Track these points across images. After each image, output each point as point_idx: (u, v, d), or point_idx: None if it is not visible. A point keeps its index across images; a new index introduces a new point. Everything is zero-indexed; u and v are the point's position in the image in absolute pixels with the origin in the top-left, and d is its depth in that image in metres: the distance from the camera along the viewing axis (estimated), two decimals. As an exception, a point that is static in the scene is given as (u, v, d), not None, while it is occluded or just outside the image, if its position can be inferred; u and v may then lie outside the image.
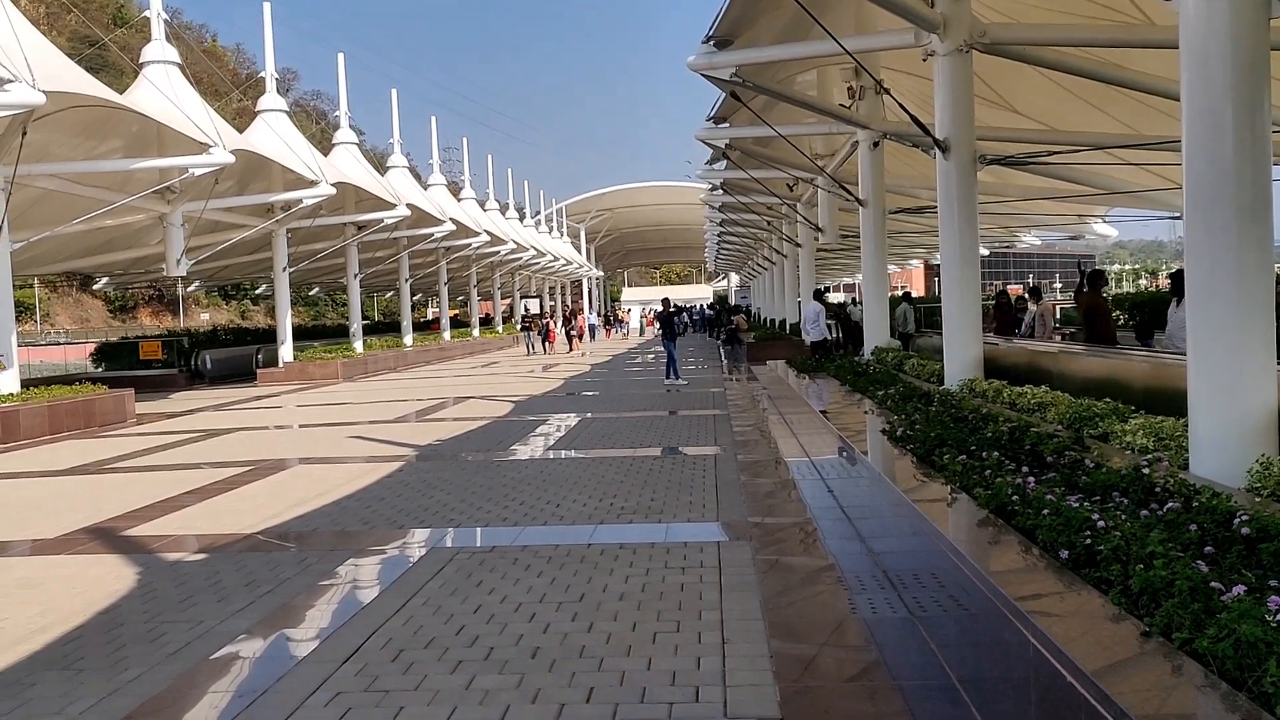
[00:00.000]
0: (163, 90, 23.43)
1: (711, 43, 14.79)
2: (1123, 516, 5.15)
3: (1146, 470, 6.02)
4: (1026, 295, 21.91)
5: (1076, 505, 5.40)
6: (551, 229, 78.16)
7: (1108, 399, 9.06)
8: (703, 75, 15.15)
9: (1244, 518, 4.74)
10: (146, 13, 25.55)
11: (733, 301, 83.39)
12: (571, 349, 46.70)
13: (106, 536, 9.10)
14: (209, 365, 34.01)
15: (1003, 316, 20.15)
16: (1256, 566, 4.30)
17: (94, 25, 71.23)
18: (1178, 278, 13.87)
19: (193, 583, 7.23)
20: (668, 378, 24.16)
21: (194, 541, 8.74)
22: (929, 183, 15.91)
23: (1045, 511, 5.31)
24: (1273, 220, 6.57)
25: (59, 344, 63.74)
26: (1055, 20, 14.76)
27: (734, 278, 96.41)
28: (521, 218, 70.73)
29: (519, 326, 50.70)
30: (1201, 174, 6.54)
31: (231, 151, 23.13)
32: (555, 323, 50.82)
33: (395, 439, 15.63)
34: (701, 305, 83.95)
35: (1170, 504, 5.31)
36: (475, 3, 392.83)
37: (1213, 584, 3.87)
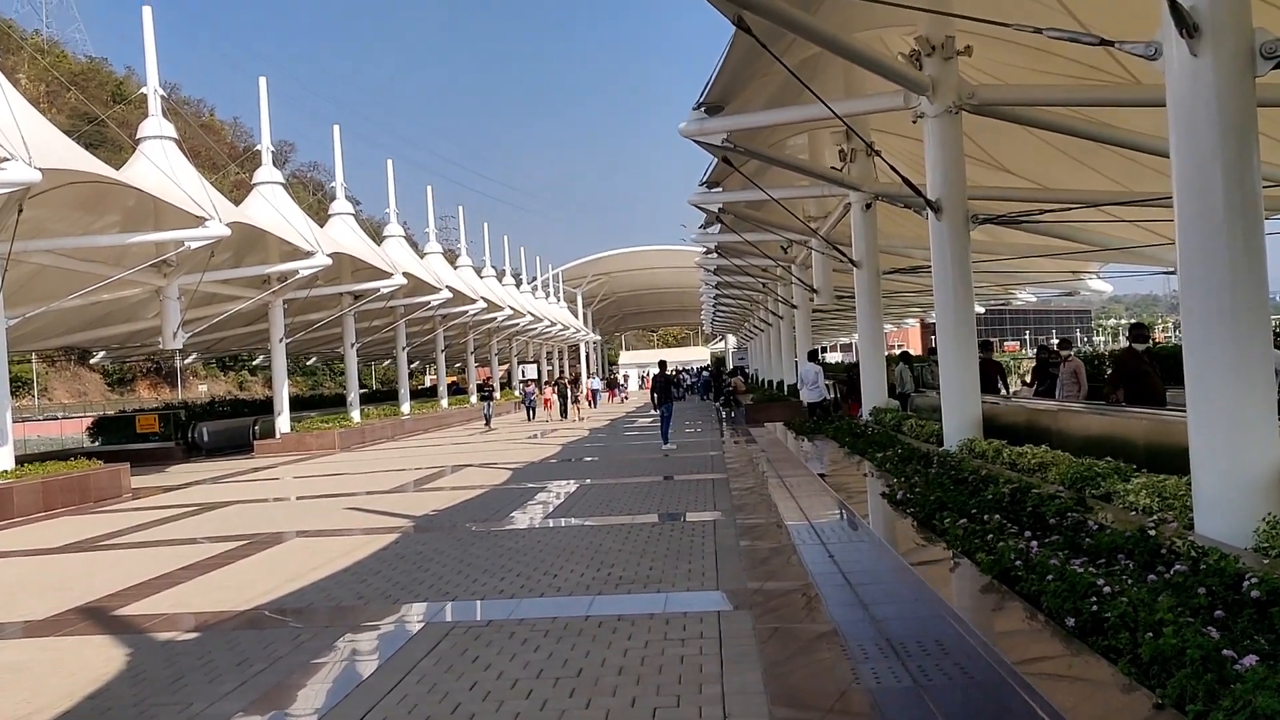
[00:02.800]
0: (159, 165, 23.59)
1: (703, 109, 14.92)
2: (1129, 580, 5.05)
3: (1152, 531, 5.94)
4: (1056, 347, 20.91)
5: (1081, 569, 5.31)
6: (548, 294, 78.42)
7: (1109, 458, 8.99)
8: (695, 141, 15.25)
9: (1253, 580, 4.66)
10: (144, 89, 25.77)
11: (730, 363, 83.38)
12: (566, 415, 44.50)
13: (97, 616, 8.94)
14: (206, 437, 33.88)
15: (1042, 374, 19.14)
16: (1269, 631, 4.21)
17: (93, 102, 72.06)
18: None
19: (183, 663, 7.08)
20: (665, 442, 24.05)
21: (186, 620, 8.59)
22: (922, 243, 15.98)
23: (1050, 577, 5.22)
24: (1267, 276, 6.55)
25: (56, 419, 63.72)
26: (1043, 80, 14.91)
27: (731, 339, 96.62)
28: (518, 283, 71.04)
29: (480, 396, 47.42)
30: (1193, 231, 6.53)
31: (227, 224, 23.24)
32: (547, 388, 48.98)
33: (392, 510, 15.49)
34: (698, 368, 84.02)
35: (1177, 566, 5.22)
36: (471, 74, 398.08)
37: (1225, 652, 3.78)
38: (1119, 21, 10.94)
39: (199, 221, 22.53)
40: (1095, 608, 4.62)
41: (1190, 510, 6.71)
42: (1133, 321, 15.19)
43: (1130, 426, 10.07)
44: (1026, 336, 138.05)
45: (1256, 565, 5.16)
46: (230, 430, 35.34)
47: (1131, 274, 40.15)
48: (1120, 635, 4.27)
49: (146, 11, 25.06)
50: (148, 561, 11.80)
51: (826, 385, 26.08)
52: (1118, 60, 13.45)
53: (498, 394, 45.72)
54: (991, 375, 19.18)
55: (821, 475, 14.34)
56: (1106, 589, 4.79)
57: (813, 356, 26.83)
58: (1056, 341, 19.35)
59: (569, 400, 45.33)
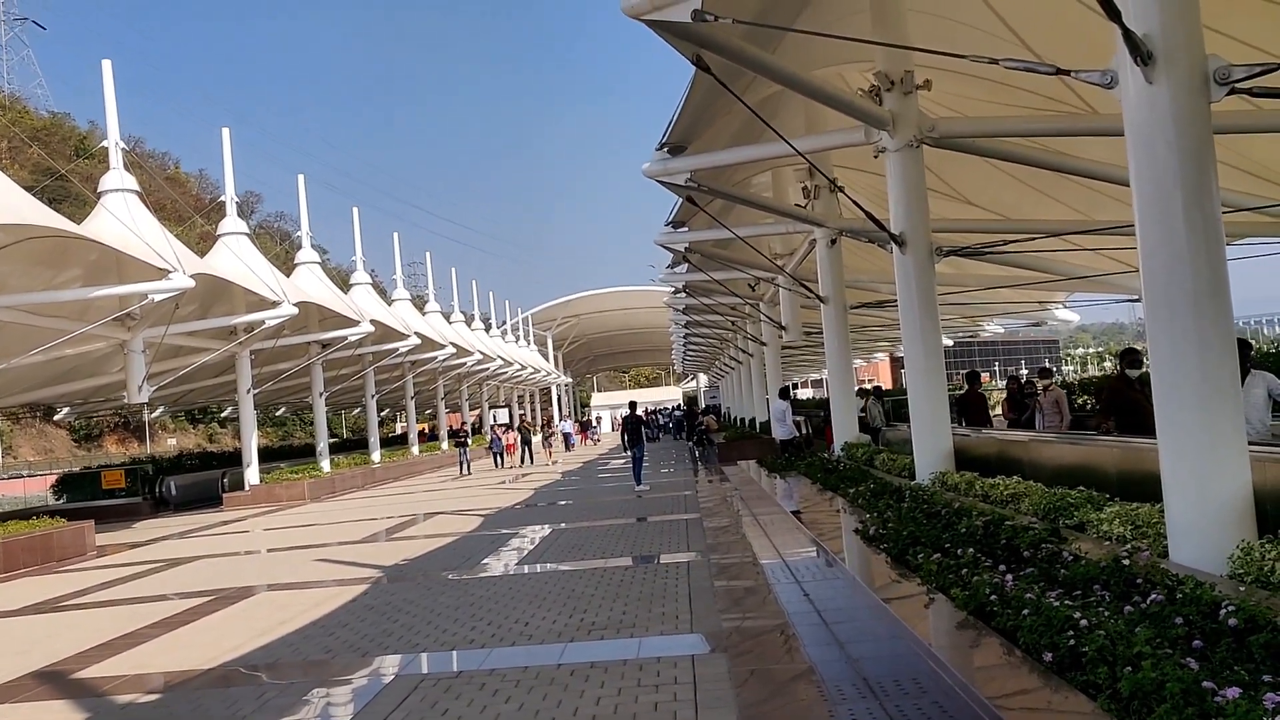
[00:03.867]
0: (121, 218, 23.37)
1: (666, 149, 14.92)
2: (1105, 613, 4.98)
3: (1126, 561, 5.87)
4: (1035, 379, 19.40)
5: (1057, 602, 5.23)
6: (518, 338, 78.29)
7: (1081, 487, 8.94)
8: (659, 181, 15.25)
9: (1230, 608, 4.59)
10: (105, 143, 25.61)
11: (702, 402, 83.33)
12: (529, 460, 42.72)
13: (57, 680, 8.71)
14: (174, 492, 33.42)
15: (1013, 404, 18.59)
16: (1248, 660, 4.14)
17: (55, 157, 71.60)
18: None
19: (143, 727, 6.88)
20: (638, 483, 23.91)
21: (149, 680, 8.38)
22: (888, 277, 16.02)
23: (1026, 611, 5.13)
24: (1230, 300, 6.54)
25: (21, 477, 62.68)
26: (1002, 112, 15.02)
27: (703, 378, 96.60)
28: (487, 328, 70.85)
29: (455, 443, 46.32)
30: (1156, 258, 6.52)
31: (192, 276, 23.03)
32: (511, 432, 46.79)
33: (362, 560, 15.27)
34: (670, 408, 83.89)
35: (1153, 596, 5.15)
36: (438, 120, 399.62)
37: (1205, 684, 3.70)
38: (1075, 51, 11.03)
39: (162, 274, 22.32)
40: (1072, 642, 4.53)
41: (1164, 538, 6.66)
42: (1125, 347, 14.27)
43: (1102, 455, 10.04)
44: (996, 368, 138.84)
45: (1233, 592, 5.09)
46: (198, 484, 34.89)
47: (1097, 302, 40.53)
48: (1099, 670, 4.18)
49: (106, 65, 24.98)
50: (111, 621, 11.54)
51: (796, 422, 26.05)
52: (1075, 90, 13.58)
53: (470, 440, 44.67)
54: (981, 406, 19.18)
55: (795, 513, 14.25)
56: (1083, 622, 4.71)
57: (784, 394, 26.81)
58: (1027, 371, 19.01)
59: (530, 445, 43.77)
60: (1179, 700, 3.59)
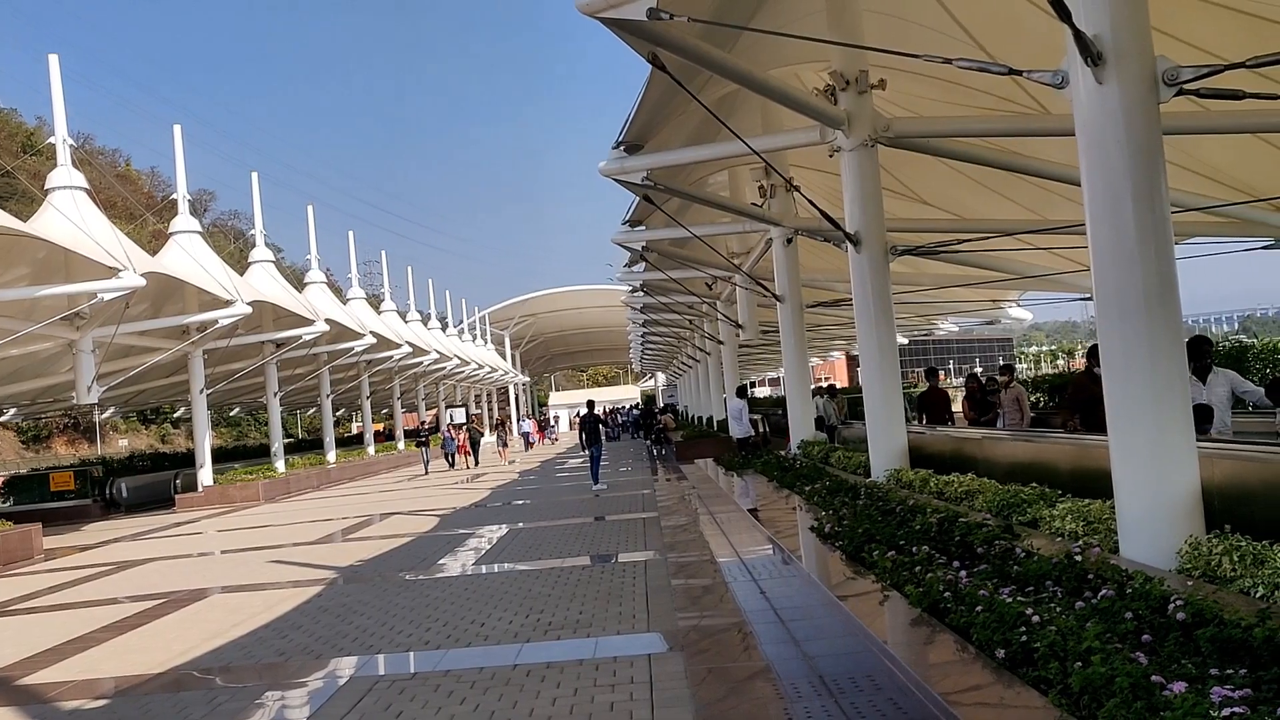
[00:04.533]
0: (69, 216, 22.99)
1: (622, 148, 14.90)
2: (1057, 609, 5.02)
3: (1078, 557, 5.93)
4: (997, 376, 18.25)
5: (1010, 598, 5.27)
6: (475, 337, 77.94)
7: (1034, 484, 9.02)
8: (615, 180, 15.23)
9: (1179, 602, 4.64)
10: (52, 139, 25.19)
11: (660, 400, 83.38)
12: (477, 463, 41.47)
13: (2, 687, 8.53)
14: (125, 493, 32.94)
15: (974, 404, 17.91)
16: (1195, 654, 4.19)
17: (2, 154, 70.41)
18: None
19: (90, 733, 6.76)
20: (595, 482, 23.89)
21: (98, 686, 8.23)
22: (844, 275, 16.10)
23: (979, 608, 5.17)
24: (1179, 299, 6.62)
25: (-33, 479, 61.56)
26: (956, 113, 15.14)
27: (661, 376, 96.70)
28: (444, 327, 70.48)
29: (416, 442, 45.34)
30: (1107, 256, 6.59)
31: (143, 274, 22.71)
32: (461, 432, 44.34)
33: (317, 561, 15.12)
34: (629, 406, 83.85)
35: (1104, 591, 5.21)
36: (394, 119, 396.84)
37: (1154, 678, 3.74)
38: (1027, 52, 11.13)
39: (112, 273, 21.98)
40: (1025, 638, 4.57)
41: (1115, 534, 6.73)
42: (1092, 344, 13.87)
43: (1055, 452, 10.14)
44: (951, 366, 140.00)
45: (1181, 587, 5.15)
46: (150, 485, 34.43)
47: (1050, 301, 41.00)
48: (1050, 665, 4.21)
49: (53, 60, 24.57)
50: (59, 625, 11.35)
51: (753, 421, 26.12)
52: (1028, 91, 13.71)
53: (430, 439, 44.11)
54: (942, 404, 19.13)
55: (752, 511, 14.29)
56: (1035, 618, 4.75)
57: (741, 392, 26.90)
58: (982, 370, 18.65)
59: (478, 447, 42.46)
60: (1128, 694, 3.62)
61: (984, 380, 19.04)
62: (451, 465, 41.60)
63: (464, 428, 45.05)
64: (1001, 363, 25.85)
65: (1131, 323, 6.46)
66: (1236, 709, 3.35)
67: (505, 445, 43.55)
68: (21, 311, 23.72)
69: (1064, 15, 6.20)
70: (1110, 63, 6.35)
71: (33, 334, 23.53)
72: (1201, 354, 10.20)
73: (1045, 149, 14.49)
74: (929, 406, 18.94)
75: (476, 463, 41.73)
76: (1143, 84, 6.38)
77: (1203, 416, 9.05)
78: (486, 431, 45.13)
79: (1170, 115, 7.08)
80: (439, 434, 42.53)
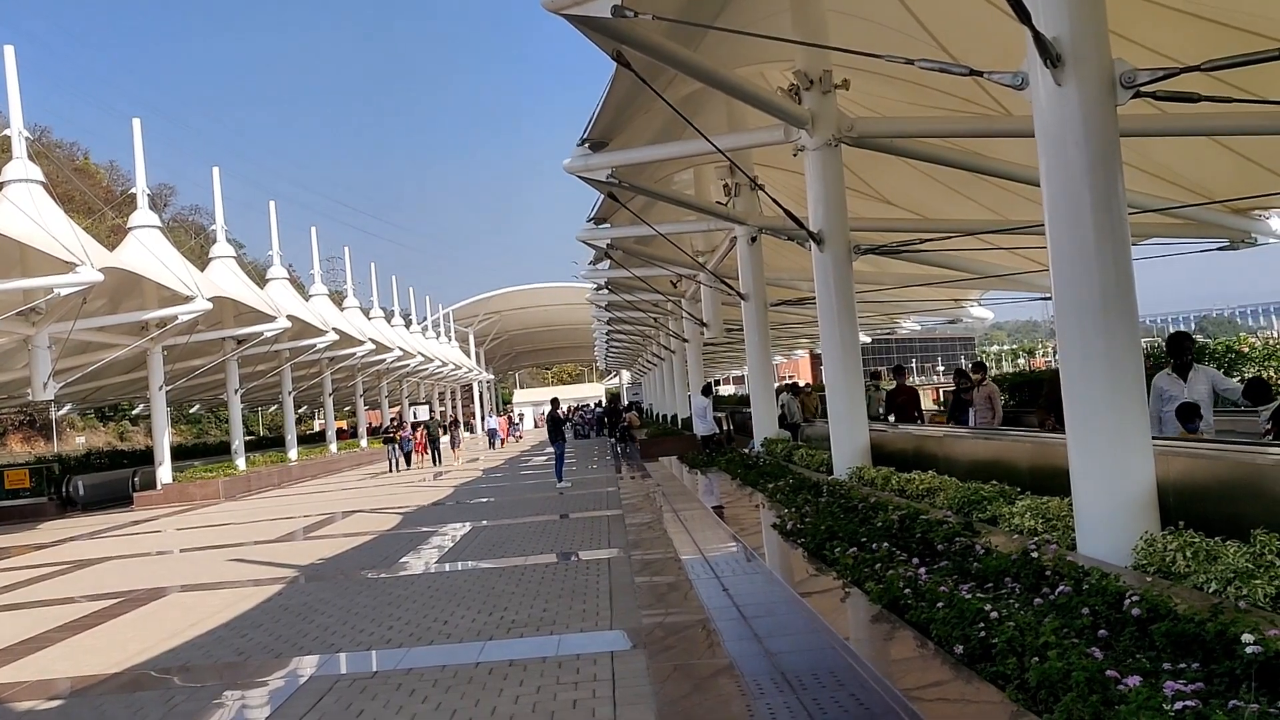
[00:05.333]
0: (25, 209, 22.68)
1: (587, 145, 14.89)
2: (1016, 604, 5.08)
3: (1035, 554, 5.99)
4: (969, 371, 17.24)
5: (969, 595, 5.32)
6: (439, 334, 77.59)
7: (994, 481, 9.11)
8: (580, 177, 15.22)
9: (1134, 598, 4.71)
10: (7, 131, 24.85)
11: (625, 398, 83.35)
12: (436, 462, 40.92)
13: (-45, 687, 8.42)
14: (81, 491, 32.54)
15: (958, 403, 16.74)
16: (1150, 649, 4.25)
17: (-43, 146, 69.27)
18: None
19: (46, 734, 6.68)
20: (559, 480, 23.86)
21: (52, 686, 8.14)
22: (808, 274, 16.18)
23: (939, 604, 5.22)
24: (1136, 299, 6.71)
25: (-81, 477, 60.58)
26: (919, 114, 15.25)
27: (625, 374, 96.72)
28: (408, 324, 70.10)
29: (382, 439, 44.23)
30: (1066, 255, 6.67)
31: (101, 270, 22.45)
32: (419, 430, 43.73)
33: (277, 559, 15.01)
34: (593, 404, 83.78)
35: (1061, 587, 5.27)
36: (354, 114, 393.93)
37: (1109, 672, 3.79)
38: (988, 54, 11.23)
39: (69, 267, 21.72)
40: (983, 634, 4.62)
41: (1073, 531, 6.81)
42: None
43: (1015, 449, 10.25)
44: (913, 364, 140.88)
45: (1137, 583, 5.23)
46: (108, 483, 34.02)
47: (1011, 300, 41.33)
48: (1008, 661, 4.26)
49: (9, 50, 24.22)
50: (12, 625, 11.19)
51: (717, 419, 26.15)
52: (989, 92, 13.84)
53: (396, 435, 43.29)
54: (910, 402, 18.50)
55: (715, 508, 14.33)
56: (994, 614, 4.80)
57: (706, 390, 26.96)
58: (971, 367, 17.62)
59: (439, 445, 41.82)
60: (1084, 689, 3.67)
61: (955, 378, 18.14)
62: (408, 465, 40.85)
63: (423, 426, 44.47)
64: (967, 361, 25.83)
65: (1090, 322, 6.54)
66: (1189, 702, 3.41)
67: (456, 445, 43.01)
68: (-25, 307, 23.40)
69: (1024, 17, 6.26)
70: (1069, 65, 6.42)
71: (-13, 329, 23.22)
72: (1182, 350, 10.29)
73: (1007, 150, 14.64)
74: (898, 405, 18.54)
75: (437, 461, 41.32)
76: (1101, 86, 6.46)
77: (1191, 413, 9.14)
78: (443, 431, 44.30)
79: (1127, 117, 7.18)
80: (401, 433, 41.84)
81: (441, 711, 6.35)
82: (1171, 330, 16.38)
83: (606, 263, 25.42)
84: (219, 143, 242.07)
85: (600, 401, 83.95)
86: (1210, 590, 5.19)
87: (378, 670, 7.69)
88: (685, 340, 32.96)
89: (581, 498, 20.69)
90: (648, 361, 61.28)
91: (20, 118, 24.57)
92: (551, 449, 25.23)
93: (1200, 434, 9.08)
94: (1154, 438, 6.71)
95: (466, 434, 70.18)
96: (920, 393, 20.52)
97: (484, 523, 17.60)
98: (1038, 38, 6.35)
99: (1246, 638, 3.85)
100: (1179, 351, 10.26)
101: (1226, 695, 3.58)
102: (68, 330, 25.07)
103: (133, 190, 31.85)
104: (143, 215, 30.69)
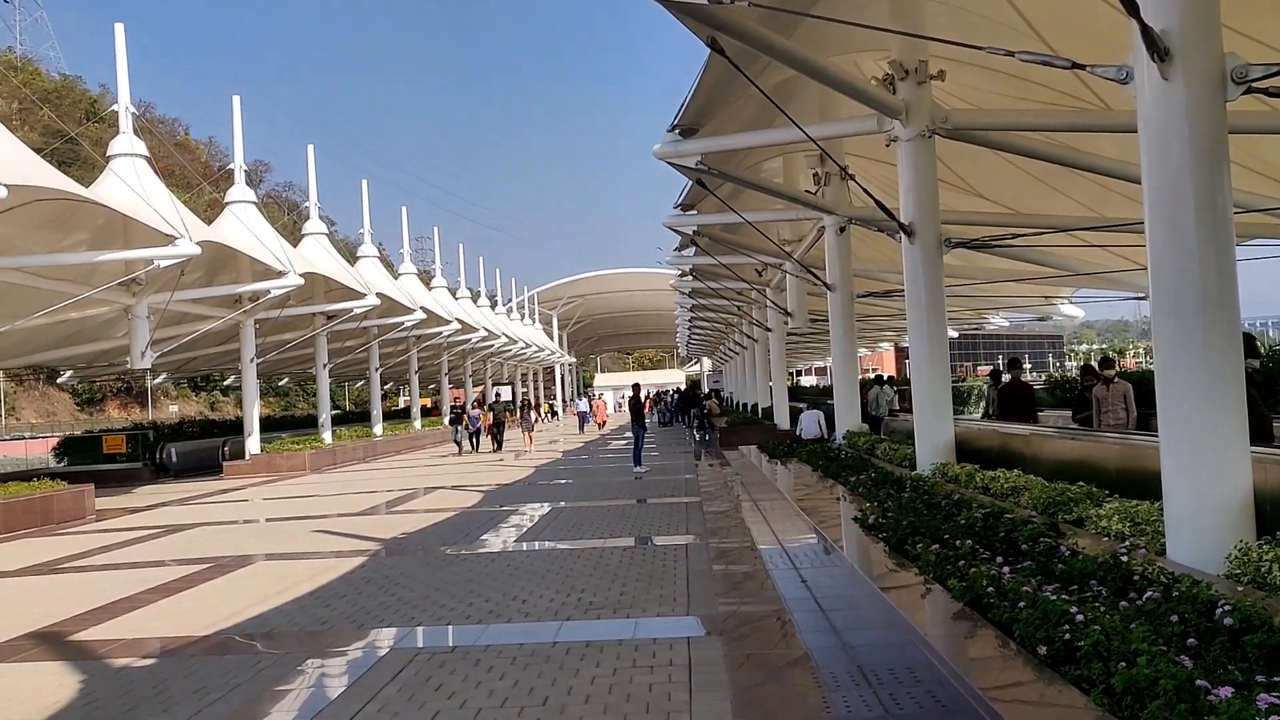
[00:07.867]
0: (129, 183, 23.35)
1: (677, 131, 14.89)
2: (1101, 608, 4.99)
3: (1124, 557, 5.88)
4: (1097, 369, 14.98)
5: (1054, 596, 5.24)
6: (523, 316, 78.25)
7: (1081, 482, 8.95)
8: (669, 163, 15.22)
9: (1226, 608, 4.60)
10: (115, 106, 25.56)
11: (705, 386, 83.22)
12: (476, 449, 38.23)
13: (52, 642, 8.74)
14: (174, 458, 33.47)
15: (1082, 399, 15.18)
16: (1241, 660, 4.15)
17: (66, 120, 71.58)
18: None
19: (138, 691, 6.91)
20: (637, 465, 23.90)
21: (145, 645, 8.40)
22: (896, 267, 15.98)
23: (1022, 604, 5.15)
24: (1238, 301, 6.52)
25: (23, 438, 62.90)
26: (1015, 106, 14.96)
27: (706, 362, 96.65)
28: (493, 305, 70.79)
29: (447, 420, 41.11)
30: (1165, 256, 6.51)
31: (198, 243, 23.00)
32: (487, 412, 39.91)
33: (361, 532, 15.30)
34: (672, 390, 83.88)
35: (1150, 593, 5.16)
36: (448, 95, 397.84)
37: (1199, 682, 3.71)
38: (1090, 46, 10.98)
39: (169, 240, 22.30)
40: (1068, 636, 4.55)
41: (1162, 536, 6.67)
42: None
43: (1103, 451, 10.05)
44: (1000, 361, 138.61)
45: (1229, 592, 5.10)
46: (199, 451, 34.94)
47: (1103, 299, 40.44)
48: (1093, 665, 4.20)
49: (119, 29, 24.90)
50: (108, 585, 11.57)
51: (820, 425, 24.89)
52: (1089, 86, 13.52)
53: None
54: (1027, 398, 16.81)
55: (795, 499, 14.27)
56: (1079, 617, 4.72)
57: (814, 405, 26.55)
58: (1098, 362, 15.73)
59: (502, 429, 38.91)
60: (1172, 697, 3.60)
61: (1081, 374, 16.77)
62: (474, 447, 38.76)
63: (491, 408, 41.02)
64: (1093, 358, 24.69)
65: (1187, 323, 6.38)
66: (1283, 716, 3.33)
67: (531, 430, 37.51)
68: (81, 275, 24.15)
69: (1131, 10, 6.11)
70: (1177, 59, 6.26)
71: (90, 298, 23.95)
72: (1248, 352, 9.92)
73: (1105, 145, 14.30)
74: (1011, 402, 16.67)
75: (499, 446, 38.48)
76: (1210, 81, 6.29)
77: None
78: (517, 412, 41.25)
79: (1235, 113, 6.97)
80: (472, 412, 40.06)
81: (519, 689, 6.44)
82: (1274, 334, 15.75)
83: (692, 249, 25.39)
84: (315, 121, 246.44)
85: (679, 388, 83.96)
86: (1308, 604, 5.05)
87: (456, 645, 7.80)
88: (769, 329, 32.81)
89: (660, 484, 20.74)
90: (729, 350, 61.11)
91: (127, 94, 25.26)
92: (629, 434, 25.26)
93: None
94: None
95: (549, 419, 69.61)
96: (1033, 389, 18.92)
97: (562, 504, 17.74)
98: (1145, 31, 6.19)
99: (1345, 653, 3.75)
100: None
101: (1322, 711, 3.49)
102: (165, 301, 25.77)
103: (230, 166, 32.60)
104: (239, 190, 31.39)
